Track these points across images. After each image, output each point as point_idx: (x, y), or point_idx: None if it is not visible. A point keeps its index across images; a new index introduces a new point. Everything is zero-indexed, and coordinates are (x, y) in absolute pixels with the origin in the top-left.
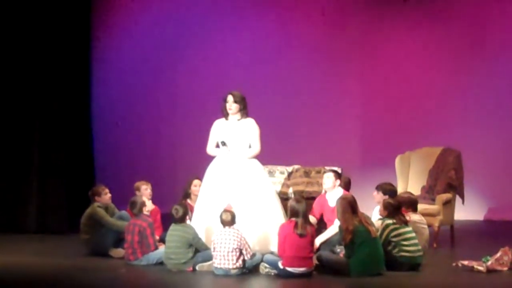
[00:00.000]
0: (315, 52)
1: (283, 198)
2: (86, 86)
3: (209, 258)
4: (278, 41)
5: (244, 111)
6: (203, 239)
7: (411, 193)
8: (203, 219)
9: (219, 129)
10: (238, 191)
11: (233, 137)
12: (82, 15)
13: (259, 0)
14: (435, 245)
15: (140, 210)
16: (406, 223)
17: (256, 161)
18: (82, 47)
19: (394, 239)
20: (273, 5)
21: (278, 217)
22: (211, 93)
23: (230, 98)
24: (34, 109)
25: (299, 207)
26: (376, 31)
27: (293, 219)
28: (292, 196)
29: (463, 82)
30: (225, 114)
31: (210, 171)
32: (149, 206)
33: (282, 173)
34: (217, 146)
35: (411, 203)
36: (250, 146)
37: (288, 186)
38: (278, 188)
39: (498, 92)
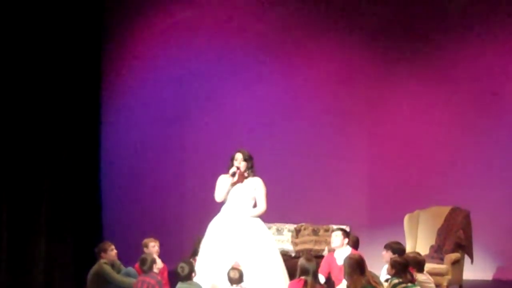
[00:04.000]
0: (323, 111)
1: (291, 256)
2: (95, 145)
3: None
4: (285, 100)
5: (252, 169)
6: None
7: (418, 253)
8: (205, 277)
9: (225, 184)
10: (240, 249)
11: (240, 195)
12: (92, 76)
13: (266, 59)
14: None
15: (150, 267)
16: (413, 281)
17: (259, 220)
18: (92, 108)
19: None
20: (280, 64)
21: (279, 276)
22: (219, 151)
23: (239, 155)
24: (42, 169)
25: (309, 266)
26: (383, 89)
27: (303, 277)
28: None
29: (472, 141)
30: (233, 174)
31: (212, 228)
32: (159, 263)
33: (290, 231)
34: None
35: (417, 263)
36: (255, 205)
37: (296, 244)
38: (287, 246)
39: (507, 151)
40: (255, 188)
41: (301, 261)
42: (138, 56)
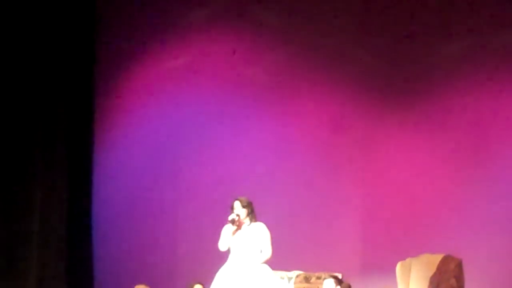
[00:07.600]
0: (316, 159)
1: None
2: (87, 194)
3: None
4: (277, 149)
5: (252, 215)
6: None
7: None
8: None
9: (229, 233)
10: None
11: (244, 242)
12: (83, 124)
13: (259, 106)
14: None
15: None
16: None
17: (267, 266)
18: (84, 159)
19: None
20: (273, 109)
21: None
22: (214, 199)
23: (237, 204)
24: (33, 216)
25: None
26: (376, 138)
27: None
28: None
29: (466, 188)
30: (233, 222)
31: (220, 277)
32: None
33: (282, 278)
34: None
35: None
36: (261, 251)
37: None
38: None
39: (500, 199)
40: (259, 234)
41: None
42: (131, 106)
